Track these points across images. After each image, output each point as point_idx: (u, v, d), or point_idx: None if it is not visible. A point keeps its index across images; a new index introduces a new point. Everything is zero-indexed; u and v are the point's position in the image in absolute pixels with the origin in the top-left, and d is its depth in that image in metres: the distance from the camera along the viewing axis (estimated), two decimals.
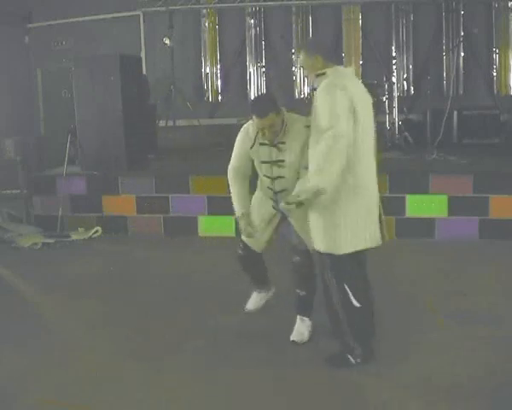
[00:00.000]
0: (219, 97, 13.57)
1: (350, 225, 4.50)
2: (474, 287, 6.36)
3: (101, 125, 9.40)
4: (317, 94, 4.47)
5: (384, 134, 10.75)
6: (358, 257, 4.68)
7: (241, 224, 5.11)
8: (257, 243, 5.24)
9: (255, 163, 5.04)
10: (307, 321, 5.17)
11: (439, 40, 12.33)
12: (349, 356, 4.64)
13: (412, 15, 12.43)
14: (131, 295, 6.55)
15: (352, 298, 4.59)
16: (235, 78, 13.43)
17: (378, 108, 10.79)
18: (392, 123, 10.86)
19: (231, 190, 5.20)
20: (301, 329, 5.14)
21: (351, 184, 4.43)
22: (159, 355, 5.01)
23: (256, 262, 5.41)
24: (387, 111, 10.91)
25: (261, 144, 4.87)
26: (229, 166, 5.17)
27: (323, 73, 4.52)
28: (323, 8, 12.76)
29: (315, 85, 4.57)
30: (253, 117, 4.72)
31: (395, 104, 10.86)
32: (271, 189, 4.99)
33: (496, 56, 12.07)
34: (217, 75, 13.53)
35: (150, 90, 11.33)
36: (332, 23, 12.85)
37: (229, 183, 5.20)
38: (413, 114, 11.76)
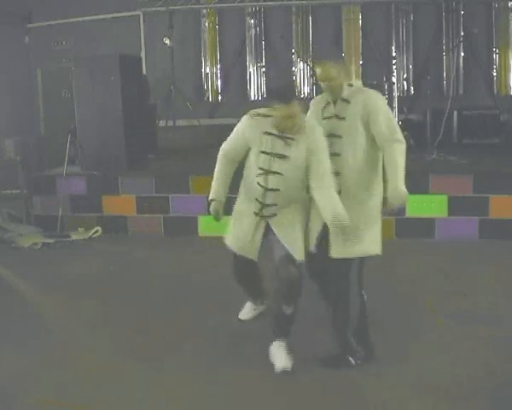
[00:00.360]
0: (219, 97, 13.56)
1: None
2: (474, 287, 6.36)
3: (101, 125, 9.40)
4: (372, 100, 4.60)
5: None
6: None
7: (211, 207, 5.03)
8: (250, 251, 4.97)
9: (252, 152, 4.80)
10: (284, 344, 4.81)
11: (439, 40, 12.34)
12: (350, 358, 4.65)
13: (412, 15, 12.44)
14: (131, 295, 6.55)
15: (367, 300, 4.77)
16: (235, 78, 13.43)
17: None
18: None
19: (215, 171, 5.04)
20: (282, 355, 4.75)
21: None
22: (159, 355, 5.02)
23: (249, 273, 5.27)
24: None
25: (264, 133, 4.71)
26: (222, 147, 5.04)
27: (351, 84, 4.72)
28: (323, 8, 12.76)
29: (343, 96, 4.64)
30: (276, 103, 4.57)
31: (395, 104, 10.86)
32: (262, 186, 4.74)
33: (496, 56, 12.07)
34: (217, 75, 13.53)
35: (150, 90, 11.33)
36: (332, 23, 12.85)
37: (217, 162, 5.05)
38: (413, 114, 11.76)
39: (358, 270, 4.69)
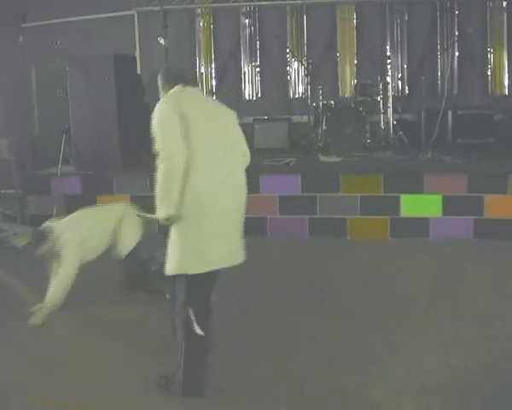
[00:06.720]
0: (214, 97, 13.52)
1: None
2: (469, 287, 6.38)
3: (95, 124, 9.40)
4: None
5: (379, 134, 10.80)
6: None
7: None
8: None
9: None
10: None
11: (434, 40, 12.33)
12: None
13: (407, 15, 12.42)
14: (128, 294, 6.54)
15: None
16: (229, 77, 13.41)
17: (373, 107, 10.85)
18: (386, 123, 10.89)
19: None
20: None
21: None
22: (158, 355, 5.01)
23: None
24: (382, 111, 10.94)
25: None
26: None
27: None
28: (318, 7, 12.75)
29: None
30: None
31: (389, 104, 10.88)
32: None
33: (490, 56, 12.08)
34: (211, 75, 13.51)
35: (145, 90, 11.31)
36: (326, 22, 12.83)
37: None
38: (407, 114, 11.77)
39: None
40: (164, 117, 4.27)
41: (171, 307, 4.62)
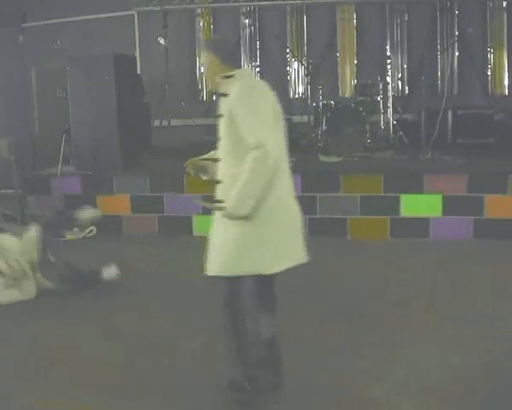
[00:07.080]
0: (214, 97, 13.52)
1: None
2: (469, 287, 6.38)
3: (95, 124, 9.40)
4: (233, 94, 3.86)
5: (379, 134, 10.80)
6: None
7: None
8: None
9: None
10: None
11: (434, 40, 12.34)
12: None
13: (407, 15, 12.44)
14: (127, 294, 6.55)
15: None
16: None
17: (373, 107, 10.85)
18: (386, 123, 10.88)
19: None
20: None
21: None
22: (159, 355, 5.02)
23: None
24: (382, 111, 10.94)
25: None
26: None
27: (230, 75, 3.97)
28: (318, 7, 12.76)
29: (221, 90, 3.99)
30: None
31: (390, 104, 10.88)
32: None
33: (490, 56, 12.08)
34: None
35: (145, 90, 11.32)
36: (326, 22, 12.84)
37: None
38: (408, 114, 11.77)
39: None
40: (258, 101, 3.83)
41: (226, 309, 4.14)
